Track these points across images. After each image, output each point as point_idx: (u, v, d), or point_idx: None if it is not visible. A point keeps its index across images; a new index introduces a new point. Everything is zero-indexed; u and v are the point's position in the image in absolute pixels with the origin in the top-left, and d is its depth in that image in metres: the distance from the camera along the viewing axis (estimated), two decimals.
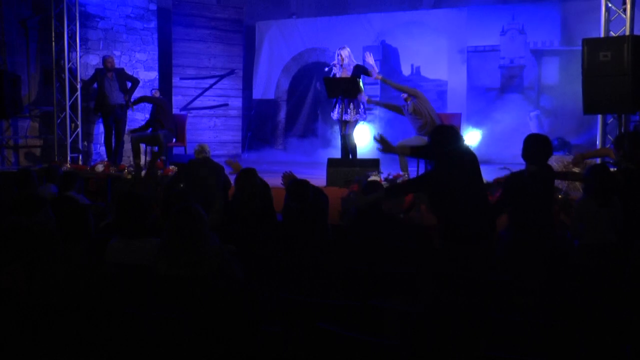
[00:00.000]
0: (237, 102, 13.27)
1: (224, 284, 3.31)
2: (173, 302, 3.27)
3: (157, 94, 10.53)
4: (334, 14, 13.51)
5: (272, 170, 9.12)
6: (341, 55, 9.27)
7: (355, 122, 9.16)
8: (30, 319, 3.10)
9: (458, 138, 5.10)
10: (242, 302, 2.30)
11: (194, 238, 3.43)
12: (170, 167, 9.13)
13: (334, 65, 9.36)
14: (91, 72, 11.30)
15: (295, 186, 5.56)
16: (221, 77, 12.96)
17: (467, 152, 5.03)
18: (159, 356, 2.93)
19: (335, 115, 9.22)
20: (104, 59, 10.76)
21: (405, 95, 8.65)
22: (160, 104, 10.21)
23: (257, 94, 14.04)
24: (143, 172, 9.24)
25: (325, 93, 9.50)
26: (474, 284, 4.00)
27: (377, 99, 11.79)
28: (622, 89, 6.76)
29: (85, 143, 11.61)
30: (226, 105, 13.11)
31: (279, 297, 3.47)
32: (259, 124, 13.87)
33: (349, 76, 9.01)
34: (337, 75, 9.19)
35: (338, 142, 9.64)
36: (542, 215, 5.03)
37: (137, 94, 10.88)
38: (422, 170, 7.77)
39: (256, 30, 14.03)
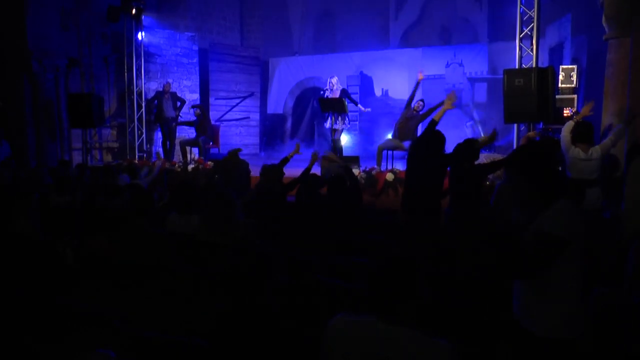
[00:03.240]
0: (256, 116, 13.21)
1: (245, 247, 3.29)
2: (208, 260, 3.24)
3: (199, 111, 10.24)
4: (325, 52, 13.47)
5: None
6: (331, 82, 9.28)
7: (342, 130, 9.17)
8: (111, 273, 3.14)
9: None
10: (257, 261, 2.32)
11: (226, 215, 3.42)
12: (208, 163, 9.14)
13: (326, 89, 9.36)
14: (152, 94, 11.29)
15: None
16: (244, 97, 12.91)
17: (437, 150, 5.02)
18: (199, 301, 2.91)
19: (327, 125, 9.22)
20: (164, 85, 10.80)
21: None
22: (202, 118, 10.18)
23: (270, 110, 13.99)
24: (189, 167, 9.25)
25: (320, 109, 9.50)
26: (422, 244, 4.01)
27: (357, 113, 11.74)
28: (531, 106, 6.77)
29: (148, 145, 11.59)
30: (248, 118, 13.05)
31: (287, 256, 3.46)
32: (271, 132, 13.82)
33: (337, 97, 9.02)
34: (329, 97, 9.20)
35: (329, 144, 9.64)
36: (473, 195, 4.99)
37: (184, 110, 11.01)
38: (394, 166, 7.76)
39: (269, 64, 13.97)
